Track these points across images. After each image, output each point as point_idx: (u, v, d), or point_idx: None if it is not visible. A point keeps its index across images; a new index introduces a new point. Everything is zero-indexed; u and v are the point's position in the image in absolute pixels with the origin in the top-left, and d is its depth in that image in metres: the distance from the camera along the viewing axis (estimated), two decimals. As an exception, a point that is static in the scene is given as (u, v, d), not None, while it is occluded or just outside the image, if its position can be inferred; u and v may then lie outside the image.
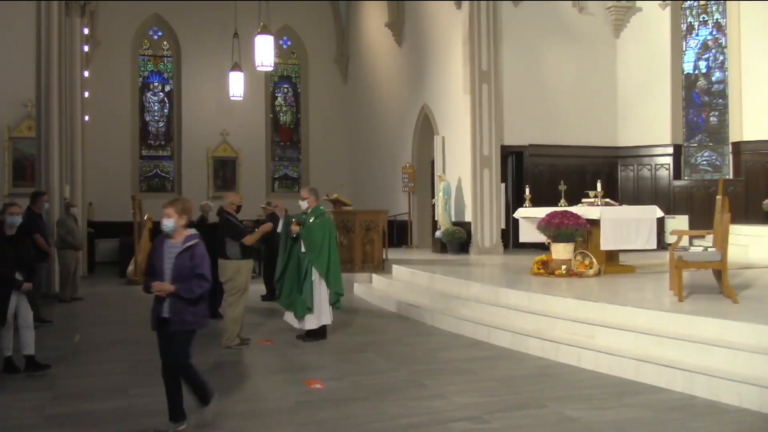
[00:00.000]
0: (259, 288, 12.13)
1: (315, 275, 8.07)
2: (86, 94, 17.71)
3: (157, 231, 17.13)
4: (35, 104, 13.34)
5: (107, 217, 19.19)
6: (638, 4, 16.15)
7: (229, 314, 7.99)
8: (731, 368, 5.68)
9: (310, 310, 8.05)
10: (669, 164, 15.83)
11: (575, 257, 9.95)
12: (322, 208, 8.47)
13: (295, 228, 8.15)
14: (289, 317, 8.29)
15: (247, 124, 22.55)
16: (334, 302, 8.23)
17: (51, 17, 12.70)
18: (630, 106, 16.22)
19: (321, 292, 8.11)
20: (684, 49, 15.93)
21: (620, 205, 10.99)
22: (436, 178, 16.58)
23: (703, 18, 15.72)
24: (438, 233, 15.72)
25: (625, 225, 9.93)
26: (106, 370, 7.02)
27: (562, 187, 11.63)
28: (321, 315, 8.14)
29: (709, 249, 8.60)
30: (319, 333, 8.20)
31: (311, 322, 8.13)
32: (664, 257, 9.23)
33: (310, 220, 8.17)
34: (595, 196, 10.56)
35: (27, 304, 6.90)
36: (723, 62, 15.38)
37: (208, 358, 7.50)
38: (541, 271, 10.10)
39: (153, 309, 4.97)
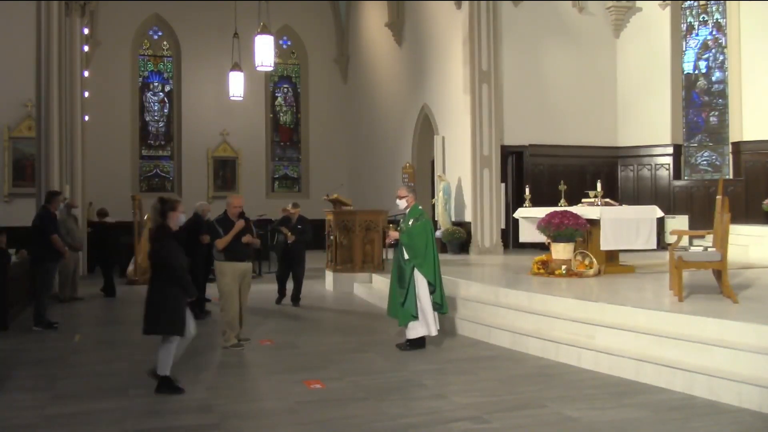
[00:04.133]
0: (258, 288, 12.13)
1: (418, 281, 7.52)
2: (86, 94, 17.70)
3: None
4: (35, 104, 13.34)
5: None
6: (638, 4, 16.16)
7: (223, 317, 7.96)
8: (731, 368, 5.68)
9: (414, 317, 7.51)
10: (669, 164, 15.84)
11: (575, 257, 9.94)
12: (420, 207, 7.87)
13: (394, 234, 7.73)
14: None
15: (247, 124, 22.55)
16: (440, 309, 7.73)
17: (51, 17, 12.70)
18: (630, 106, 16.22)
19: (427, 298, 7.55)
20: (684, 49, 15.93)
21: (620, 205, 10.99)
22: (436, 178, 16.58)
23: (703, 18, 15.72)
24: (438, 233, 15.70)
25: (625, 225, 9.93)
26: (106, 370, 7.01)
27: (562, 187, 11.63)
28: (430, 324, 7.60)
29: (709, 249, 8.59)
30: (420, 342, 7.63)
31: (416, 330, 7.57)
32: (664, 257, 9.23)
33: (410, 223, 7.60)
34: (595, 196, 10.56)
35: None
36: (723, 62, 15.38)
37: (209, 357, 7.51)
38: (541, 271, 10.10)
39: None
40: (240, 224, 7.89)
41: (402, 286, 7.54)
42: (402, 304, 7.52)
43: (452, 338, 8.41)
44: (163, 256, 5.98)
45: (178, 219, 6.19)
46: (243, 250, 7.99)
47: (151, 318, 5.97)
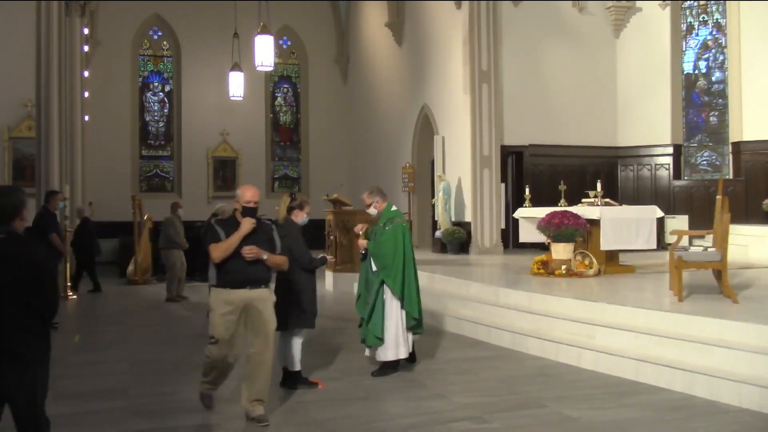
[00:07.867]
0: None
1: (388, 297, 6.54)
2: (86, 94, 17.71)
3: (157, 231, 17.13)
4: (35, 104, 13.35)
5: (107, 217, 19.17)
6: (638, 4, 16.15)
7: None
8: (731, 368, 5.68)
9: (380, 340, 6.49)
10: (669, 164, 15.83)
11: (575, 257, 9.94)
12: (394, 209, 6.83)
13: (362, 243, 6.70)
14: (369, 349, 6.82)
15: (247, 124, 22.54)
16: (413, 326, 6.67)
17: (51, 17, 12.70)
18: (630, 106, 16.22)
19: (396, 317, 6.56)
20: (684, 49, 15.92)
21: (620, 205, 10.99)
22: (436, 178, 16.58)
23: (703, 18, 15.71)
24: (438, 233, 15.72)
25: (625, 225, 9.93)
26: (106, 370, 7.02)
27: (562, 187, 11.63)
28: (399, 346, 6.59)
29: (709, 249, 8.59)
30: (392, 365, 6.63)
31: (387, 353, 6.57)
32: (664, 257, 9.23)
33: (380, 229, 6.65)
34: (595, 196, 10.56)
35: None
36: (723, 62, 15.37)
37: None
38: (541, 271, 10.09)
39: None
40: (247, 224, 5.11)
41: (368, 300, 6.57)
42: (367, 322, 6.56)
43: (452, 338, 8.41)
44: (291, 249, 6.03)
45: (303, 218, 6.35)
46: (244, 268, 5.10)
47: (294, 312, 6.06)
